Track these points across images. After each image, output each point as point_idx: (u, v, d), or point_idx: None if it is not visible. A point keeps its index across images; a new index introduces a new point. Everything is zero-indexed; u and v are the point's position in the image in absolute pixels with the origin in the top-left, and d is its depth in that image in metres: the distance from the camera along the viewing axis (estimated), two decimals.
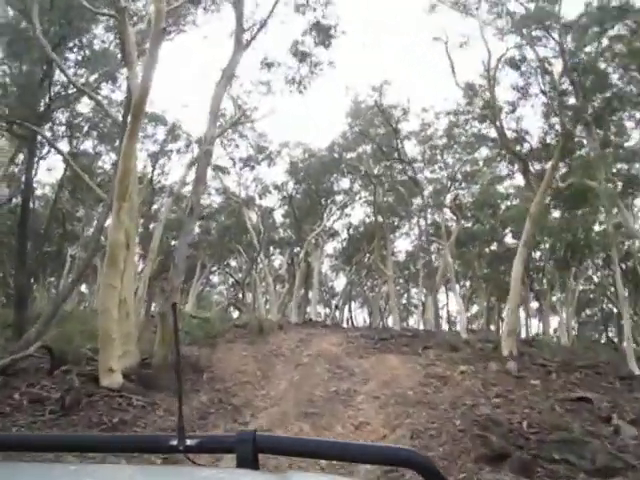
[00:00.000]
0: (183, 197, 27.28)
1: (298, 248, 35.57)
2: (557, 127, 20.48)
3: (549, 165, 20.11)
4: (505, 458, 6.32)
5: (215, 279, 53.37)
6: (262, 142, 33.57)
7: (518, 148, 21.51)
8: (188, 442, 1.09)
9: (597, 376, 13.93)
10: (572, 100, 20.32)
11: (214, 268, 46.93)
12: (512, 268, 18.79)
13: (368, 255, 38.69)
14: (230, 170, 34.92)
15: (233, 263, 47.03)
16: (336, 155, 31.04)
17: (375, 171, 27.50)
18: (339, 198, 35.17)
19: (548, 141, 21.68)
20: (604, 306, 43.94)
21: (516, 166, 24.33)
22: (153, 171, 27.25)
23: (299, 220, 35.38)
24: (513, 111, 21.52)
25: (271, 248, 43.09)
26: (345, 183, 34.97)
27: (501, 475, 5.78)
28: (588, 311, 46.34)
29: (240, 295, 36.92)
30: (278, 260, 46.65)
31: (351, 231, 40.01)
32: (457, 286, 23.22)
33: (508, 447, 6.55)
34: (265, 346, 17.27)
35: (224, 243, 38.40)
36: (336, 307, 32.84)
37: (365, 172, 25.76)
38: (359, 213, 57.10)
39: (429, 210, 26.72)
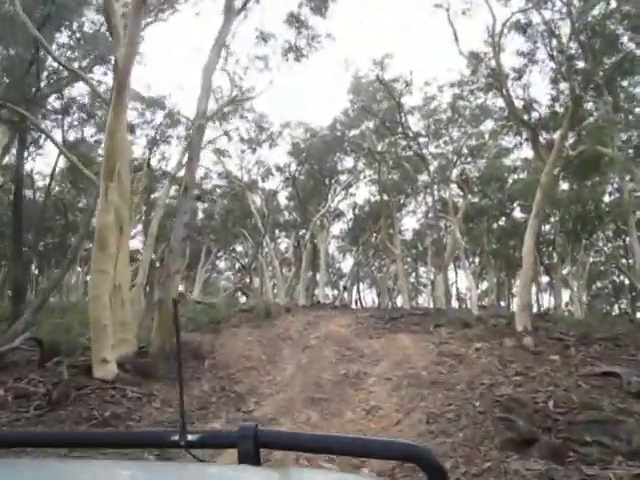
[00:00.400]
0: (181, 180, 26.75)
1: (304, 230, 34.96)
2: (566, 93, 19.65)
3: (558, 133, 19.30)
4: (533, 442, 5.68)
5: (222, 265, 52.93)
6: (263, 123, 32.88)
7: (526, 117, 20.69)
8: (190, 437, 1.09)
9: (617, 348, 13.25)
10: (581, 64, 19.48)
11: (220, 254, 46.45)
12: (522, 242, 18.08)
13: (375, 235, 38.07)
14: (231, 153, 34.32)
15: (239, 248, 46.35)
16: (338, 133, 30.27)
17: (379, 148, 26.72)
18: (343, 178, 34.46)
19: (557, 108, 20.87)
20: (615, 278, 43.34)
21: (524, 136, 23.52)
22: (150, 155, 26.53)
23: (303, 202, 34.73)
24: (520, 78, 20.66)
25: (277, 231, 42.56)
26: (349, 162, 34.24)
27: (530, 462, 5.16)
28: (599, 284, 45.77)
29: (247, 280, 36.32)
30: (284, 243, 46.19)
31: (356, 211, 39.37)
32: (466, 262, 22.52)
33: (535, 430, 5.91)
34: (272, 330, 16.73)
35: (228, 228, 37.85)
36: (344, 288, 32.29)
37: (369, 149, 24.98)
38: (364, 192, 56.43)
39: (435, 186, 25.96)
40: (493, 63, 20.81)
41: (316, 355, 13.55)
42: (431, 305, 40.73)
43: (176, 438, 1.10)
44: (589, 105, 20.58)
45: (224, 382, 10.39)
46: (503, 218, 33.40)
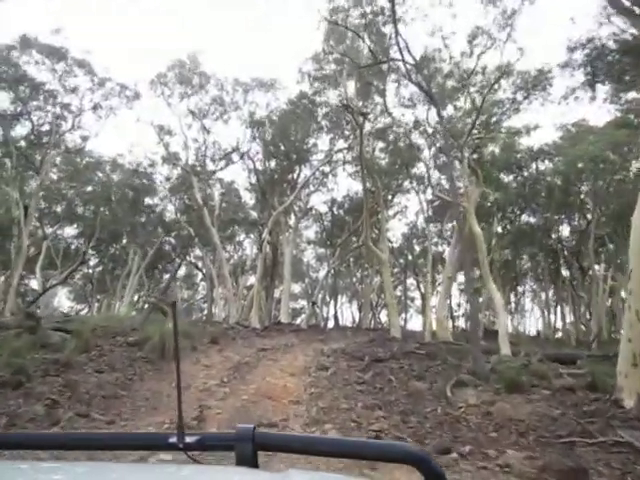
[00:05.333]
0: None
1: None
2: None
3: None
4: None
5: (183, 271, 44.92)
6: (214, 90, 25.45)
7: None
8: (187, 440, 1.09)
9: None
10: None
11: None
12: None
13: (356, 238, 30.65)
14: (175, 130, 26.77)
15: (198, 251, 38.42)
16: (306, 101, 22.72)
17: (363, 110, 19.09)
18: (316, 160, 26.91)
19: None
20: None
21: None
22: None
23: (265, 192, 27.17)
24: None
25: (237, 232, 34.91)
26: (323, 143, 26.90)
27: None
28: None
29: (173, 292, 28.65)
30: (248, 247, 38.57)
31: (334, 209, 31.88)
32: (488, 269, 15.05)
33: None
34: (156, 385, 9.05)
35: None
36: (313, 304, 24.78)
37: (346, 107, 17.48)
38: (342, 188, 49.06)
39: (442, 159, 18.63)
40: None
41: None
42: (424, 328, 33.56)
43: (174, 440, 1.09)
44: None
45: None
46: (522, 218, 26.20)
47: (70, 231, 34.02)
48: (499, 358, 11.48)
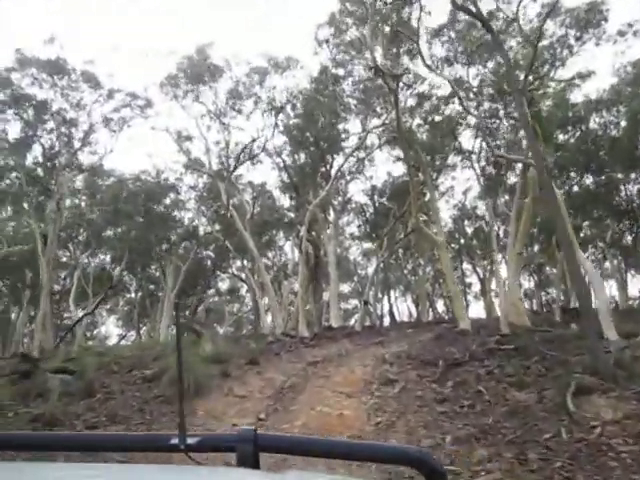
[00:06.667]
0: None
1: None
2: None
3: None
4: None
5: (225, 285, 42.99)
6: (229, 82, 23.35)
7: None
8: (189, 441, 1.06)
9: None
10: None
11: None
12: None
13: (401, 226, 28.03)
14: (192, 134, 24.82)
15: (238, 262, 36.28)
16: (328, 76, 20.24)
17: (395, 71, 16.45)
18: (348, 148, 24.45)
19: None
20: None
21: None
22: None
23: (298, 188, 24.90)
24: None
25: (274, 236, 32.73)
26: (354, 126, 24.44)
27: None
28: None
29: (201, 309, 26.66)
30: (290, 253, 36.27)
31: (376, 198, 29.34)
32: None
33: None
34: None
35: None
36: (365, 303, 22.34)
37: (376, 70, 14.89)
38: (381, 174, 46.20)
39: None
40: None
41: None
42: (487, 314, 30.66)
43: (175, 441, 1.06)
44: None
45: None
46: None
47: (103, 257, 32.59)
48: (617, 345, 8.74)
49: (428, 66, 15.59)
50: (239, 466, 1.03)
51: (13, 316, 33.67)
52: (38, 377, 9.24)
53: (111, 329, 47.58)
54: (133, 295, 38.76)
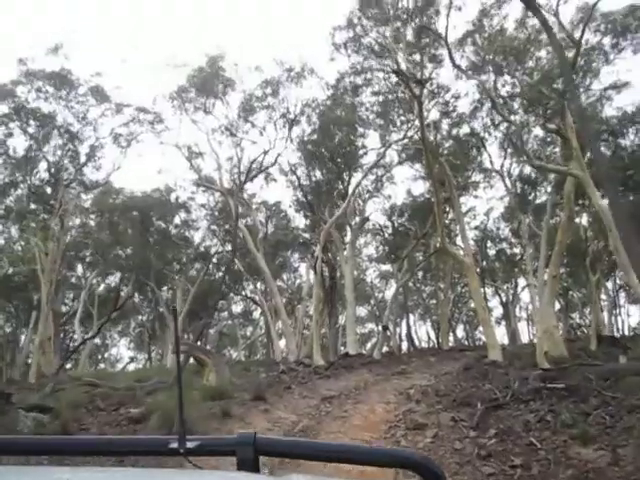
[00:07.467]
0: None
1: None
2: None
3: None
4: None
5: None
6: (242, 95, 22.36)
7: None
8: (189, 444, 1.06)
9: None
10: None
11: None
12: None
13: (423, 246, 26.63)
14: (202, 149, 23.85)
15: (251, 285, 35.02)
16: (346, 86, 19.07)
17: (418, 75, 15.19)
18: (366, 162, 23.25)
19: None
20: None
21: None
22: None
23: (313, 207, 23.66)
24: None
25: (288, 257, 31.45)
26: (373, 140, 23.21)
27: None
28: None
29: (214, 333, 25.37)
30: (305, 276, 34.90)
31: (395, 218, 27.99)
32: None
33: None
34: None
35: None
36: (385, 329, 20.89)
37: (398, 74, 13.70)
38: (401, 193, 44.82)
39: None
40: None
41: None
42: (511, 341, 28.97)
43: (175, 445, 1.06)
44: None
45: None
46: None
47: (112, 278, 31.53)
48: None
49: (458, 66, 14.37)
50: (239, 469, 1.02)
51: (23, 338, 32.72)
52: (9, 415, 7.99)
53: (123, 351, 46.47)
54: (144, 318, 37.66)
